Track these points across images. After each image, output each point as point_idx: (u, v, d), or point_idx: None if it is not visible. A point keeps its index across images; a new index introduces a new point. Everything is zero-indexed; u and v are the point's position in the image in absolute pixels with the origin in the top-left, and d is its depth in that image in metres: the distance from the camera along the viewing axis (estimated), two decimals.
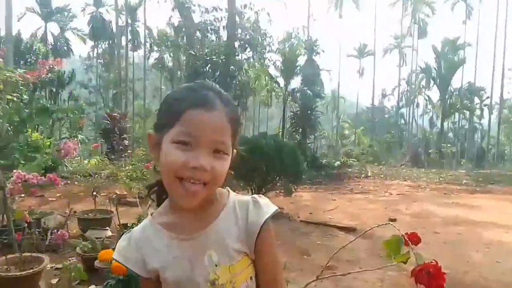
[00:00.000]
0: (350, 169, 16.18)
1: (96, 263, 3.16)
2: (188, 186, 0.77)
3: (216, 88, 0.83)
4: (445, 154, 33.70)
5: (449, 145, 36.68)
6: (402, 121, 41.91)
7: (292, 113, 19.34)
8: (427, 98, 39.50)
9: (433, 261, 1.26)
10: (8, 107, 4.15)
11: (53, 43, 28.79)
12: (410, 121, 40.54)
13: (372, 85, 39.92)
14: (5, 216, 3.79)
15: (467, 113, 35.65)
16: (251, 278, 0.86)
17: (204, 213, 0.85)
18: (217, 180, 0.80)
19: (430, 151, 34.66)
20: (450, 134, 40.70)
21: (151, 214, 0.91)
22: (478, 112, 37.16)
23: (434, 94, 37.36)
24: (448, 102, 32.26)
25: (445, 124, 35.53)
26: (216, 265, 0.82)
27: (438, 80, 31.68)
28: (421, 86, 38.21)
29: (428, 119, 43.08)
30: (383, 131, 38.44)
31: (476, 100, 36.58)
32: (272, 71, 21.22)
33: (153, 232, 0.87)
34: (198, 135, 0.76)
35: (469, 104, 34.05)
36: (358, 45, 42.64)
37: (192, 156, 0.76)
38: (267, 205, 0.87)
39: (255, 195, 0.90)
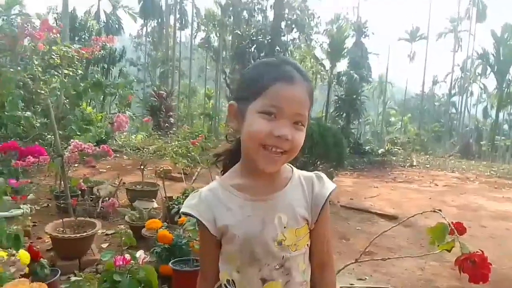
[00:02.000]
0: (394, 157, 15.69)
1: (143, 231, 3.34)
2: (271, 153, 0.85)
3: (296, 63, 0.90)
4: (499, 147, 31.86)
5: (503, 137, 34.56)
6: (453, 110, 39.81)
7: (336, 97, 18.87)
8: (482, 86, 37.23)
9: (479, 251, 1.23)
10: (65, 81, 4.37)
11: (105, 21, 29.72)
12: (462, 110, 38.40)
13: (423, 71, 38.08)
14: (62, 182, 4.08)
15: None
16: (307, 245, 0.95)
17: (274, 181, 0.93)
18: (295, 149, 0.87)
19: (482, 142, 32.87)
20: (505, 126, 38.23)
21: (220, 178, 1.00)
22: None
23: (490, 82, 35.18)
24: (505, 91, 30.18)
25: (501, 114, 33.33)
26: (284, 227, 0.90)
27: (495, 68, 29.64)
28: (477, 74, 35.95)
29: (482, 109, 40.69)
30: (432, 119, 36.83)
31: None
32: (318, 53, 20.77)
33: (224, 193, 0.94)
34: (282, 107, 0.83)
35: None
36: (411, 28, 40.65)
37: (276, 126, 0.83)
38: (329, 182, 0.97)
39: (317, 172, 1.00)
